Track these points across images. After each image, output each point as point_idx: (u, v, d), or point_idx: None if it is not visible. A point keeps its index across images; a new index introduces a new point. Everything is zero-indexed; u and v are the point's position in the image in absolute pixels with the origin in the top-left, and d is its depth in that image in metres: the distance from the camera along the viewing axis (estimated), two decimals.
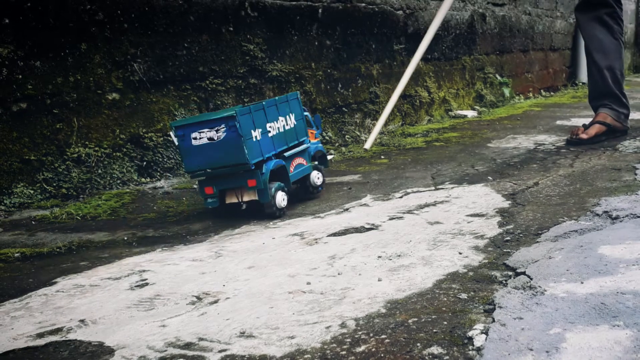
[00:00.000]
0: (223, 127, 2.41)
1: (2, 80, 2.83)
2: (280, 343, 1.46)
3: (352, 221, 2.54)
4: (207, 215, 2.75)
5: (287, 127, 2.76)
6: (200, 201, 2.99)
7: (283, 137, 2.73)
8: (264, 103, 2.63)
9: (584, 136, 4.18)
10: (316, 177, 2.92)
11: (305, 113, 2.95)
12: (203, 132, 2.44)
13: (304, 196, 2.94)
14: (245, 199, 2.57)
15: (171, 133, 2.49)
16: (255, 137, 2.51)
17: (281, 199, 2.62)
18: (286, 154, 2.72)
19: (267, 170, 2.54)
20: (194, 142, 2.45)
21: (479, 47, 6.58)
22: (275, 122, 2.67)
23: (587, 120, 4.65)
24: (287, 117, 2.77)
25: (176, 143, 2.48)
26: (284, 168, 2.68)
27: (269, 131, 2.62)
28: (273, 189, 2.56)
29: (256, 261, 2.08)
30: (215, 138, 2.42)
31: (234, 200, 2.61)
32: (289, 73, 4.25)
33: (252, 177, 2.49)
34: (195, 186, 3.31)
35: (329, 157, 3.01)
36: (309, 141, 2.96)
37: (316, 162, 3.01)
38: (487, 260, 1.99)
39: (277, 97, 2.76)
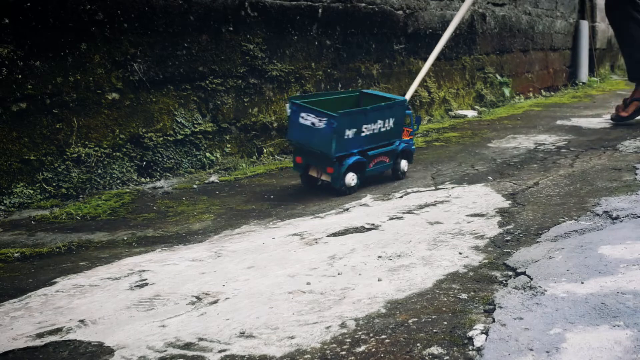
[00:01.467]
0: (325, 120, 2.78)
1: (2, 80, 2.83)
2: (280, 343, 1.46)
3: (352, 221, 2.54)
4: (207, 215, 2.75)
5: (382, 130, 3.07)
6: (200, 201, 2.99)
7: (374, 138, 3.04)
8: (368, 107, 2.98)
9: (623, 114, 4.58)
10: (404, 165, 3.29)
11: (409, 112, 3.28)
12: (310, 116, 2.83)
13: (392, 178, 3.31)
14: (323, 178, 2.97)
15: (287, 105, 2.93)
16: (348, 135, 2.87)
17: (350, 179, 2.96)
18: (370, 152, 3.05)
19: (346, 164, 2.90)
20: (300, 120, 2.86)
21: (479, 47, 6.58)
22: (373, 124, 2.99)
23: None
24: (387, 120, 3.07)
25: (288, 114, 2.92)
26: (363, 164, 3.01)
27: (363, 132, 2.95)
28: (343, 170, 2.91)
29: (256, 261, 2.08)
30: (316, 125, 2.81)
31: (314, 174, 3.00)
32: (289, 73, 4.25)
33: (332, 166, 2.89)
34: (195, 186, 3.31)
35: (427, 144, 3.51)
36: (399, 141, 3.25)
37: (400, 159, 3.30)
38: (487, 260, 1.99)
39: (385, 104, 3.07)
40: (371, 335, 1.48)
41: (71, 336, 1.56)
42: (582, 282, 1.72)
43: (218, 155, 3.81)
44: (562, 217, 2.45)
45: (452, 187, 3.10)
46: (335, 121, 2.76)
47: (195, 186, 3.32)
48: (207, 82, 3.73)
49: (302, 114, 2.84)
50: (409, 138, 3.34)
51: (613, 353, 1.31)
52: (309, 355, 1.39)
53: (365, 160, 3.01)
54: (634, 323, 1.44)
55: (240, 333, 1.53)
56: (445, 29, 5.98)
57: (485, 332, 1.45)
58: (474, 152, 4.10)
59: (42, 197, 2.98)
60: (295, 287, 1.83)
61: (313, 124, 2.82)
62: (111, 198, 3.05)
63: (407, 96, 3.39)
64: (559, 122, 5.44)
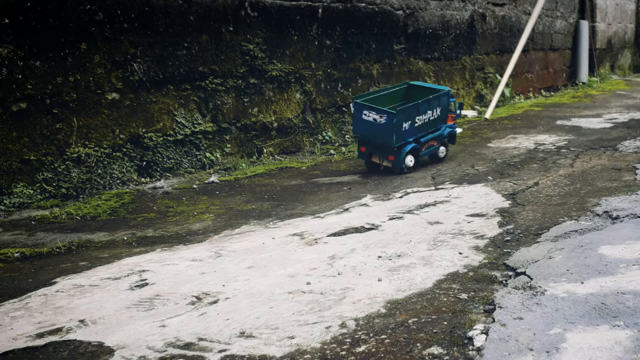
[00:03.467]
0: (385, 116, 3.33)
1: (2, 80, 2.83)
2: (280, 343, 1.46)
3: (352, 221, 2.54)
4: (207, 215, 2.75)
5: (431, 118, 3.59)
6: (200, 201, 2.99)
7: (426, 126, 3.57)
8: (419, 101, 3.48)
9: None
10: (442, 151, 3.79)
11: (452, 100, 3.73)
12: (372, 113, 3.38)
13: (433, 162, 3.77)
14: (384, 164, 3.50)
15: (351, 104, 3.49)
16: (405, 127, 3.41)
17: (409, 160, 3.50)
18: (423, 139, 3.56)
19: (405, 152, 3.44)
20: (363, 117, 3.41)
21: (479, 47, 6.58)
22: (424, 114, 3.53)
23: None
24: (435, 110, 3.60)
25: (352, 111, 3.47)
26: (417, 149, 3.56)
27: (417, 122, 3.49)
28: (402, 155, 3.43)
29: (256, 261, 2.08)
30: (378, 120, 3.35)
31: (377, 161, 3.52)
32: (289, 73, 4.25)
33: (393, 154, 3.42)
34: (195, 186, 3.31)
35: (458, 131, 3.86)
36: (445, 126, 3.73)
37: (446, 140, 3.78)
38: (487, 260, 1.99)
39: (431, 96, 3.57)
40: (371, 335, 1.48)
41: (71, 336, 1.56)
42: (582, 282, 1.72)
43: (218, 155, 3.81)
44: (562, 217, 2.45)
45: (452, 187, 3.10)
46: (395, 117, 3.29)
47: (195, 186, 3.32)
48: (207, 82, 3.73)
49: (365, 112, 3.38)
50: (452, 123, 3.78)
51: (613, 353, 1.31)
52: (309, 355, 1.39)
53: (419, 147, 3.53)
54: (634, 323, 1.44)
55: (240, 333, 1.53)
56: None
57: (485, 332, 1.45)
58: (473, 152, 4.10)
59: (42, 197, 2.98)
60: (295, 287, 1.83)
61: (375, 119, 3.36)
62: (111, 198, 3.05)
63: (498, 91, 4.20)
64: (559, 122, 5.44)
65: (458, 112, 3.87)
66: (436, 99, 3.61)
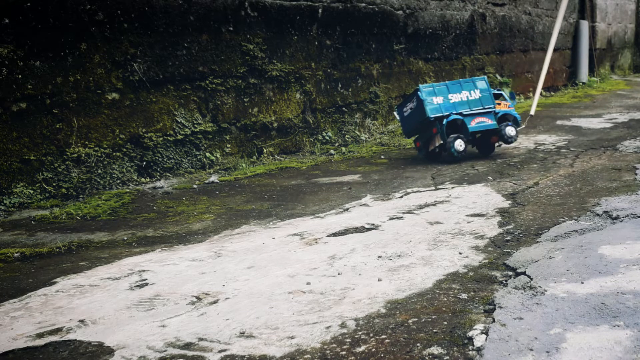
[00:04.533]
0: (414, 99, 3.78)
1: (2, 80, 2.83)
2: (280, 343, 1.46)
3: (352, 221, 2.54)
4: (207, 215, 2.75)
5: (470, 98, 3.86)
6: (200, 201, 2.99)
7: (466, 104, 3.83)
8: (447, 83, 3.89)
9: None
10: (511, 130, 3.86)
11: (499, 92, 4.02)
12: (407, 106, 3.86)
13: (503, 143, 3.92)
14: (436, 144, 3.75)
15: (395, 114, 4.05)
16: (437, 102, 3.75)
17: (459, 144, 3.71)
18: (465, 112, 3.79)
19: (445, 121, 3.70)
20: (404, 114, 3.88)
21: (479, 47, 6.58)
22: (458, 93, 3.84)
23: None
24: (472, 91, 3.89)
25: (398, 118, 3.97)
26: (463, 122, 3.76)
27: (450, 99, 3.80)
28: (452, 140, 3.69)
29: (256, 261, 2.08)
30: (413, 107, 3.80)
31: (431, 147, 3.79)
32: (289, 73, 4.25)
33: (434, 126, 3.73)
34: (195, 186, 3.31)
35: (516, 129, 4.03)
36: (496, 108, 3.94)
37: (509, 122, 3.92)
38: (487, 260, 1.99)
39: (461, 79, 4.00)
40: (371, 335, 1.48)
41: (71, 336, 1.56)
42: (582, 282, 1.72)
43: (218, 155, 3.81)
44: (562, 217, 2.45)
45: (452, 187, 3.10)
46: (419, 92, 3.73)
47: (195, 186, 3.32)
48: (207, 82, 3.73)
49: (404, 109, 3.89)
50: (507, 108, 3.99)
51: (613, 353, 1.31)
52: (309, 355, 1.39)
53: (462, 119, 3.77)
54: (634, 323, 1.44)
55: (240, 333, 1.53)
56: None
57: (485, 332, 1.45)
58: (473, 151, 4.10)
59: (42, 197, 2.98)
60: (295, 287, 1.83)
61: (411, 108, 3.82)
62: (111, 198, 3.05)
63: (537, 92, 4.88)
64: (559, 122, 5.44)
65: (513, 102, 4.10)
66: (469, 82, 3.93)
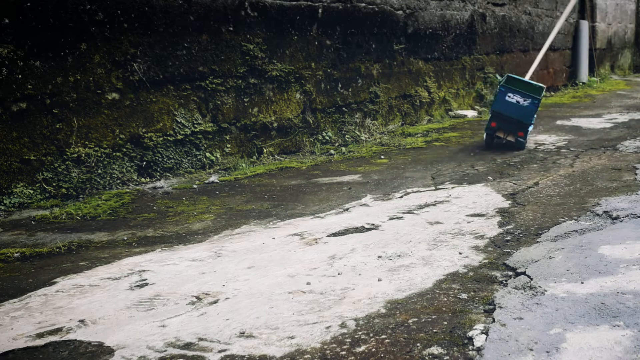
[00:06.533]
0: (529, 100, 4.00)
1: (2, 80, 2.83)
2: (280, 343, 1.46)
3: (352, 221, 2.54)
4: (207, 215, 2.75)
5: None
6: (200, 201, 2.99)
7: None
8: (540, 97, 4.08)
9: None
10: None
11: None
12: (516, 96, 4.02)
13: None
14: (508, 139, 4.10)
15: (499, 87, 4.11)
16: (535, 115, 4.13)
17: (527, 139, 4.09)
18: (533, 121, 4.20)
19: (529, 130, 4.12)
20: (507, 98, 4.03)
21: (479, 47, 6.58)
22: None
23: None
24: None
25: (496, 92, 4.15)
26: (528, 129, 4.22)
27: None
28: (528, 133, 4.09)
29: (256, 261, 2.08)
30: (521, 103, 4.00)
31: (501, 135, 4.12)
32: (289, 73, 4.25)
33: (522, 130, 4.08)
34: (195, 186, 3.31)
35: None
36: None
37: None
38: (487, 260, 1.99)
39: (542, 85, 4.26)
40: (371, 335, 1.48)
41: (71, 336, 1.56)
42: (582, 282, 1.72)
43: (218, 155, 3.81)
44: (562, 217, 2.45)
45: (452, 187, 3.10)
46: (539, 101, 4.02)
47: (195, 186, 3.32)
48: (207, 82, 3.73)
49: (510, 94, 4.02)
50: None
51: (613, 353, 1.31)
52: (309, 355, 1.39)
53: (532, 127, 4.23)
54: (634, 323, 1.44)
55: (240, 333, 1.53)
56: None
57: (485, 332, 1.45)
58: (473, 152, 4.10)
59: (42, 197, 2.98)
60: (295, 287, 1.83)
61: (518, 102, 4.00)
62: (111, 198, 3.05)
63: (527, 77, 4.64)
64: (559, 122, 5.44)
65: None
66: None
